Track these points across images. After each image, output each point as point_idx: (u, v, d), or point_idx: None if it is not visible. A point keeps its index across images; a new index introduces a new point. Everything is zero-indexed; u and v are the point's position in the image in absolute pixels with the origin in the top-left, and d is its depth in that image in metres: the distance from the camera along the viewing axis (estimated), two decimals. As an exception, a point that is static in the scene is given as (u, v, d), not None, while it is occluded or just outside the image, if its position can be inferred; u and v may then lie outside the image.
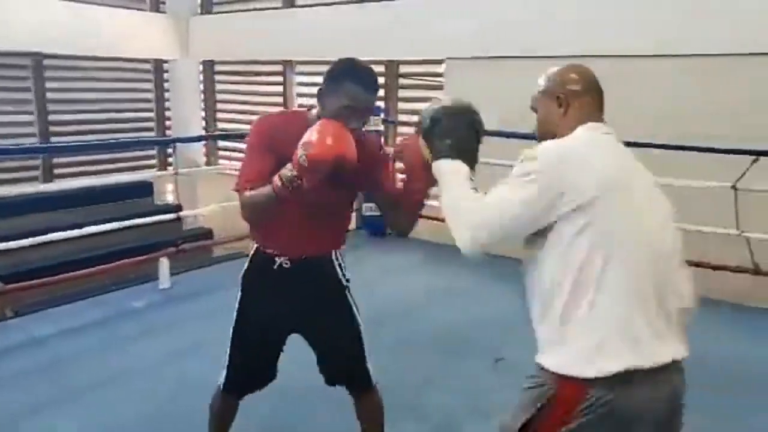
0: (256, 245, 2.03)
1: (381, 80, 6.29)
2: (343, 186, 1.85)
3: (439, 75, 5.86)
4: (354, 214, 5.85)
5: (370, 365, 2.11)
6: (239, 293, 2.07)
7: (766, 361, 3.33)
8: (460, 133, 1.61)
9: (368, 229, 5.73)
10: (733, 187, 3.76)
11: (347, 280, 2.08)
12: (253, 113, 7.69)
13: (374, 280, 4.61)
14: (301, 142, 1.69)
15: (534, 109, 1.64)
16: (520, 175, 1.43)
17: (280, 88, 7.34)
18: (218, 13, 7.94)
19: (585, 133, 1.51)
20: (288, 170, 1.71)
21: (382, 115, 5.80)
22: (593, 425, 1.37)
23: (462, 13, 5.49)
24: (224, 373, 2.08)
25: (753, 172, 3.70)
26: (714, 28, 4.21)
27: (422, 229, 6.03)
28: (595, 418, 1.36)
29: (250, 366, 2.08)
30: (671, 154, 3.96)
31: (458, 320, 3.87)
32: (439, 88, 5.84)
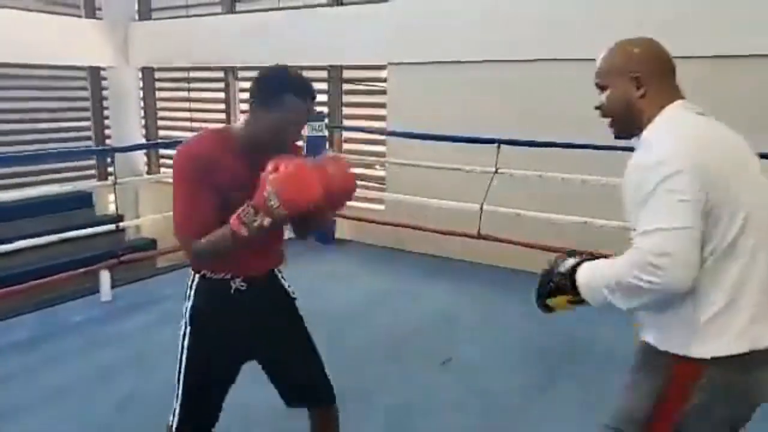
0: (200, 273, 1.84)
1: (324, 86, 6.36)
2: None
3: (383, 80, 5.93)
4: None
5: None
6: (186, 330, 1.86)
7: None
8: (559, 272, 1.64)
9: (315, 236, 5.74)
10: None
11: (293, 293, 2.05)
12: (195, 120, 7.58)
13: (315, 287, 4.62)
14: (268, 186, 1.55)
15: (599, 87, 1.56)
16: (669, 191, 1.33)
17: (222, 95, 7.26)
18: (157, 19, 7.79)
19: (681, 114, 1.46)
20: (252, 216, 1.59)
21: (326, 121, 5.81)
22: (711, 407, 1.38)
23: (404, 18, 5.57)
24: (176, 416, 1.88)
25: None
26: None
27: (360, 232, 6.12)
28: (712, 399, 1.37)
29: (209, 404, 1.92)
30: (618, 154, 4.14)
31: (402, 322, 3.92)
32: (383, 92, 5.91)
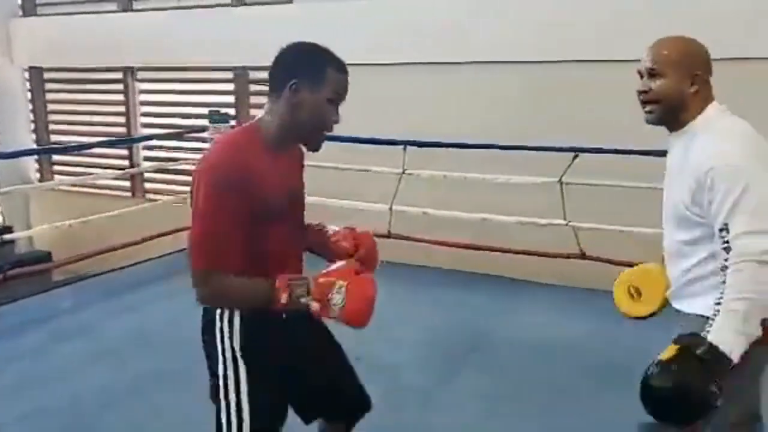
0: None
1: (231, 87, 6.22)
2: None
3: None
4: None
5: None
6: (239, 376, 1.59)
7: (583, 331, 3.74)
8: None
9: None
10: (559, 182, 4.19)
11: None
12: (91, 124, 7.17)
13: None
14: (342, 284, 1.42)
15: (652, 73, 1.62)
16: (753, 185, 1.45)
17: (121, 97, 6.91)
18: (43, 15, 7.30)
19: (723, 116, 1.62)
20: (304, 293, 1.43)
21: (233, 122, 5.69)
22: None
23: (310, 19, 5.54)
24: None
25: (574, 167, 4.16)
26: (544, 38, 4.64)
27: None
28: None
29: None
30: (508, 153, 4.33)
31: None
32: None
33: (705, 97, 1.62)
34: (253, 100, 6.18)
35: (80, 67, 7.08)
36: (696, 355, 1.39)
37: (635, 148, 3.85)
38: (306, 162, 1.82)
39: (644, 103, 1.66)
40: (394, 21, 5.20)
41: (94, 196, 6.81)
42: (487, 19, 4.83)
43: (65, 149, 6.98)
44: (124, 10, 6.72)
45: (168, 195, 6.37)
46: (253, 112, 6.19)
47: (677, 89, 1.60)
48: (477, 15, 4.88)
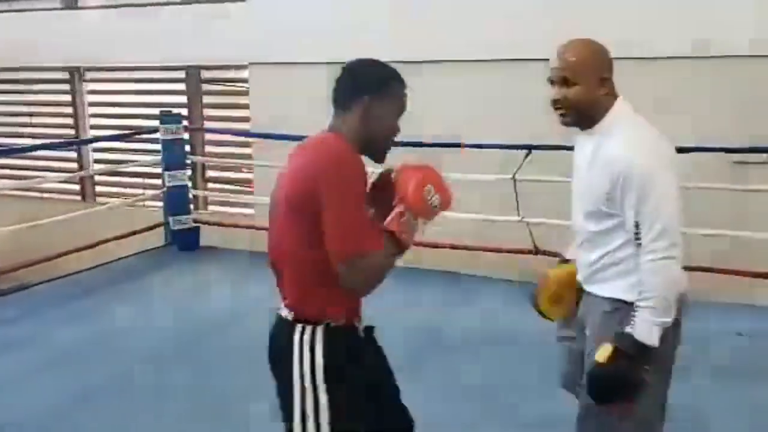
0: (322, 323, 1.54)
1: (183, 87, 6.11)
2: None
3: (244, 80, 5.81)
4: (162, 229, 5.57)
5: None
6: (325, 398, 1.53)
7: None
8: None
9: (178, 245, 5.49)
10: (513, 179, 4.26)
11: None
12: (36, 126, 6.93)
13: (189, 295, 4.45)
14: (426, 186, 1.51)
15: (565, 81, 1.70)
16: (668, 184, 1.63)
17: (68, 98, 6.69)
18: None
19: (629, 114, 1.73)
20: (413, 221, 1.50)
21: (184, 123, 5.59)
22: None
23: (265, 18, 5.50)
24: None
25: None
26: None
27: (228, 239, 5.97)
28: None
29: None
30: (466, 151, 4.38)
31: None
32: (245, 93, 5.79)
33: (612, 95, 1.73)
34: (206, 99, 6.08)
35: (24, 66, 6.82)
36: (626, 353, 1.61)
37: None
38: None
39: (559, 109, 1.74)
40: (350, 18, 5.19)
41: (40, 201, 6.59)
42: (450, 17, 4.88)
43: (9, 151, 6.71)
44: (69, 8, 6.52)
45: (120, 198, 6.22)
46: (206, 112, 6.10)
47: (590, 94, 1.70)
48: (438, 14, 4.93)
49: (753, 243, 4.08)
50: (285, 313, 1.59)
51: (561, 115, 1.74)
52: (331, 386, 1.52)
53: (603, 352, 1.64)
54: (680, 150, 3.94)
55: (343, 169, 1.48)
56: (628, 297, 1.68)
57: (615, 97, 1.73)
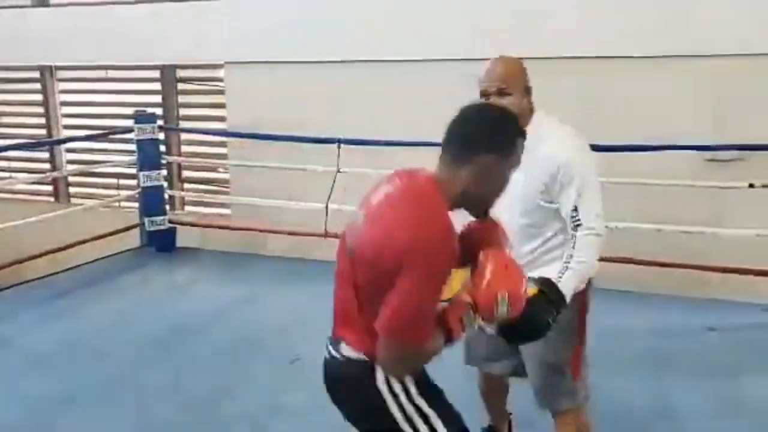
0: None
1: (158, 86, 6.03)
2: None
3: (220, 79, 5.76)
4: (137, 230, 5.50)
5: None
6: (422, 404, 1.50)
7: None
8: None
9: (155, 246, 5.43)
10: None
11: None
12: (6, 126, 6.78)
13: (166, 296, 4.41)
14: (500, 290, 1.40)
15: (502, 92, 1.91)
16: (595, 176, 1.93)
17: (40, 97, 6.56)
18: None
19: (547, 118, 2.00)
20: (472, 318, 1.42)
21: (159, 122, 5.52)
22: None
23: (240, 17, 5.45)
24: None
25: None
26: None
27: (204, 240, 5.92)
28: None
29: None
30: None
31: (250, 328, 3.85)
32: (221, 92, 5.74)
33: (532, 104, 2.00)
34: (181, 99, 6.02)
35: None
36: (548, 298, 1.79)
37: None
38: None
39: None
40: (326, 17, 5.18)
41: (12, 202, 6.47)
42: (416, 15, 4.90)
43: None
44: (39, 5, 6.39)
45: (94, 199, 6.13)
46: (181, 111, 6.03)
47: (521, 103, 1.93)
48: (407, 12, 4.94)
49: (726, 239, 4.17)
50: (349, 352, 1.52)
51: None
52: (427, 396, 1.51)
53: (528, 291, 1.74)
54: (655, 148, 4.08)
55: (435, 250, 1.33)
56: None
57: (533, 105, 2.00)
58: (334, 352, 1.54)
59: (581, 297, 1.95)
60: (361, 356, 1.47)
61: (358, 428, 1.60)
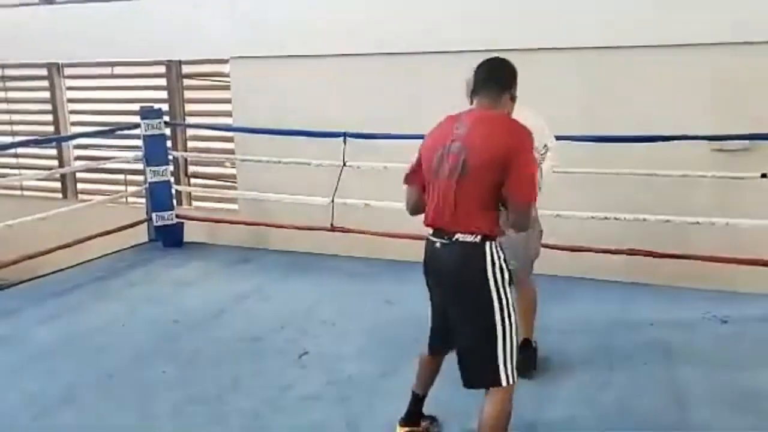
0: (497, 239, 2.14)
1: (163, 82, 6.03)
2: None
3: (225, 75, 5.76)
4: (145, 226, 5.51)
5: None
6: (508, 289, 2.13)
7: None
8: None
9: (162, 241, 5.44)
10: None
11: None
12: (15, 123, 6.81)
13: (173, 291, 4.41)
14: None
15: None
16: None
17: (47, 94, 6.59)
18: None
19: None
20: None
21: (165, 118, 5.52)
22: None
23: (244, 12, 5.44)
24: (509, 370, 2.11)
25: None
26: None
27: (212, 234, 5.91)
28: None
29: None
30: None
31: (258, 322, 3.84)
32: (226, 88, 5.74)
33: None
34: (187, 95, 6.01)
35: (1, 63, 6.71)
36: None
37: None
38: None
39: None
40: (331, 12, 5.16)
41: (21, 199, 6.50)
42: (421, 8, 4.87)
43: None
44: (47, 3, 6.41)
45: (102, 195, 6.15)
46: (187, 107, 6.03)
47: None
48: (413, 5, 4.91)
49: (734, 230, 4.12)
50: (470, 238, 2.09)
51: None
52: (508, 286, 2.12)
53: None
54: (662, 138, 4.03)
55: (526, 140, 2.09)
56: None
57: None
58: (446, 241, 2.13)
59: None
60: (476, 239, 2.09)
61: (458, 296, 2.15)
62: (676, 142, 4.02)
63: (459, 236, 2.09)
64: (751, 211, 4.08)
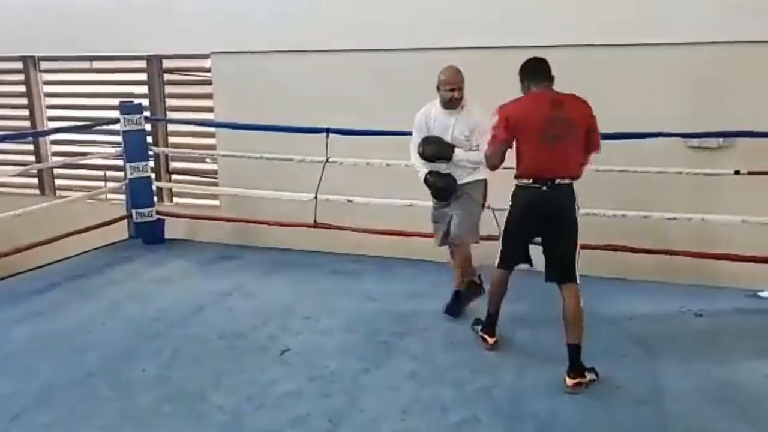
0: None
1: (144, 77, 5.96)
2: None
3: (207, 69, 5.71)
4: (125, 222, 5.46)
5: None
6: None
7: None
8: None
9: (142, 238, 5.39)
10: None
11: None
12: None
13: (154, 288, 4.38)
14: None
15: (459, 88, 3.54)
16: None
17: (22, 88, 6.47)
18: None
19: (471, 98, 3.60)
20: None
21: (146, 113, 5.46)
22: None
23: (225, 7, 5.40)
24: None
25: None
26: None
27: (193, 231, 5.88)
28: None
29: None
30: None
31: (239, 319, 3.84)
32: (207, 83, 5.69)
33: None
34: (168, 89, 5.95)
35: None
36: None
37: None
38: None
39: (457, 101, 3.55)
40: (313, 7, 5.14)
41: (-5, 195, 6.39)
42: (404, 4, 4.87)
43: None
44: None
45: (81, 191, 6.07)
46: (169, 102, 5.97)
47: (463, 92, 3.56)
48: (396, 1, 4.91)
49: (710, 225, 4.20)
50: (567, 180, 3.00)
51: (455, 104, 3.54)
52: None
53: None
54: (639, 135, 4.10)
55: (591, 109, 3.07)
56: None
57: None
58: (553, 185, 3.00)
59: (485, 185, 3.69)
60: (571, 182, 3.03)
61: (559, 221, 3.03)
62: (653, 139, 4.09)
63: (558, 181, 2.98)
64: (724, 207, 4.17)
